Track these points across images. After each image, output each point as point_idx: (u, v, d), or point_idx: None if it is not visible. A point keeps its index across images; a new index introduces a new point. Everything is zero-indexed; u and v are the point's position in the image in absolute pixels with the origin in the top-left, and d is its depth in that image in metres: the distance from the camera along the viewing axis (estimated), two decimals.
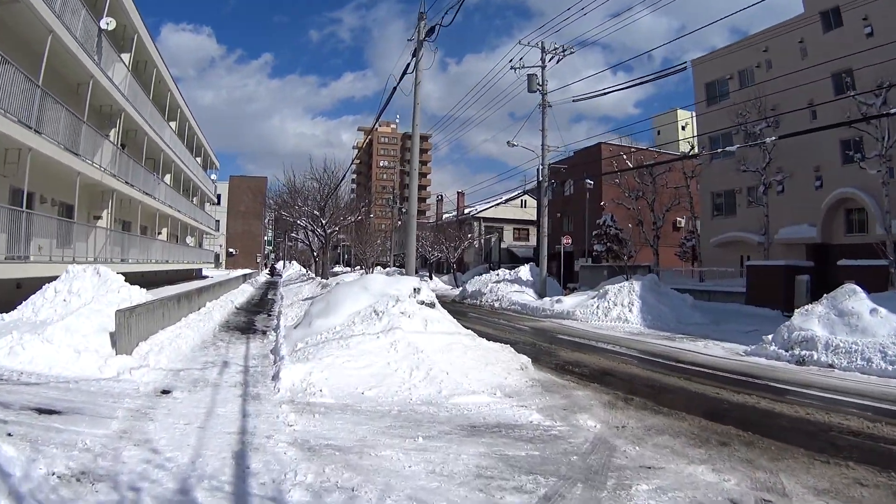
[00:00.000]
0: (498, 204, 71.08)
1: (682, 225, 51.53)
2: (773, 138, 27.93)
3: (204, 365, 12.86)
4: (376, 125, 35.14)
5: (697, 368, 14.79)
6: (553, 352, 17.31)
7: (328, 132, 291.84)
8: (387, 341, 12.71)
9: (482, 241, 70.99)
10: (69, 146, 21.46)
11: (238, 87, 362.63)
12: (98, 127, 25.57)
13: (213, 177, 64.50)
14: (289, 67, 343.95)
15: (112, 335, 12.39)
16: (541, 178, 36.61)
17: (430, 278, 61.86)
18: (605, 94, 31.99)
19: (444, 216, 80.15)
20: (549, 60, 35.17)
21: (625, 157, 47.72)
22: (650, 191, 44.08)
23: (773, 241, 36.78)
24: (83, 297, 14.84)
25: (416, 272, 65.83)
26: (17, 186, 18.75)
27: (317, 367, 11.22)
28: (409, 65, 21.87)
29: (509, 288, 38.21)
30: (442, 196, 79.01)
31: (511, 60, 35.62)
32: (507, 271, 42.33)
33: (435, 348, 12.89)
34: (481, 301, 38.22)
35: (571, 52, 35.29)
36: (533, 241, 71.51)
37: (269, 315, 26.03)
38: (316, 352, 12.50)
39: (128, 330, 12.43)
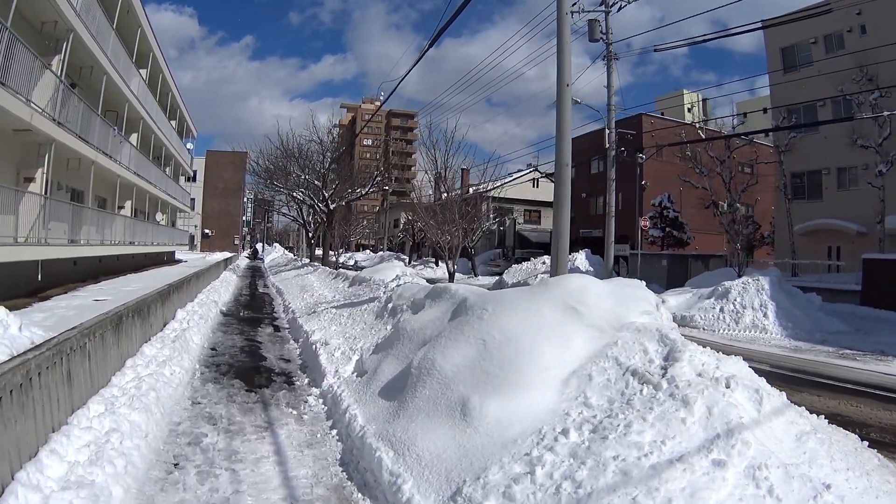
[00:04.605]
0: (507, 183, 62.07)
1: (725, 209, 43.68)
2: None
3: None
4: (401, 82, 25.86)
5: None
6: None
7: (306, 114, 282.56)
8: (736, 472, 4.48)
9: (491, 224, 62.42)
10: None
11: (217, 69, 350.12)
12: (36, 51, 16.98)
13: (190, 146, 54.70)
14: (270, 49, 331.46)
15: None
16: (608, 144, 28.76)
17: (437, 265, 53.34)
18: (683, 45, 25.80)
19: (444, 196, 71.18)
20: (612, 6, 28.16)
21: (699, 127, 39.49)
22: (726, 167, 35.54)
23: (877, 229, 30.77)
24: None
25: (418, 260, 57.26)
26: None
27: None
28: None
29: None
30: (440, 174, 69.75)
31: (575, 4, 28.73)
32: None
33: (803, 458, 4.98)
34: None
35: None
36: (545, 224, 64.66)
37: (277, 329, 16.93)
38: None
39: None
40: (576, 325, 6.94)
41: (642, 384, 5.71)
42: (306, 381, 10.19)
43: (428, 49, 17.56)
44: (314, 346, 11.46)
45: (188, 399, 8.68)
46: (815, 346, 16.94)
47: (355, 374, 9.05)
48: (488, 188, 55.88)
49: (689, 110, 66.42)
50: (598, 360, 6.31)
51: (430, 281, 19.37)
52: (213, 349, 12.92)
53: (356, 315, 13.97)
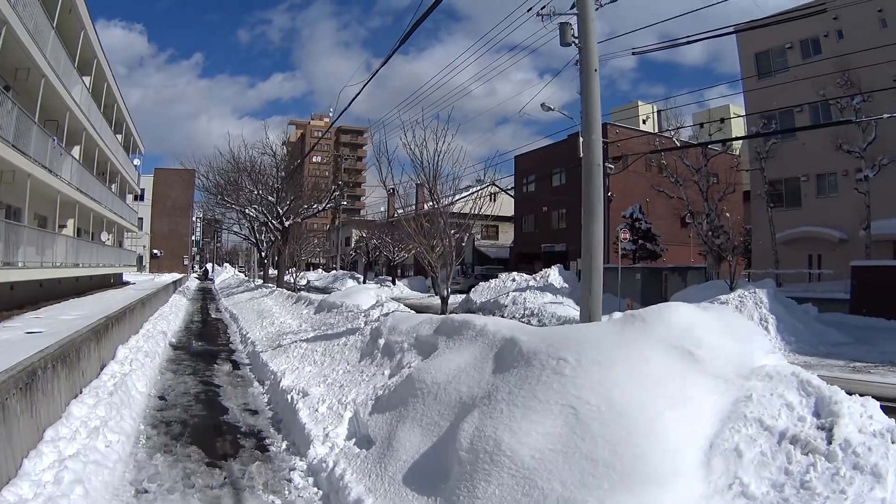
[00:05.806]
0: (464, 197, 60.15)
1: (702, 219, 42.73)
2: None
3: None
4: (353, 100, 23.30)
5: None
6: None
7: (255, 132, 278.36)
8: None
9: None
10: None
11: (167, 87, 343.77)
12: None
13: (137, 162, 51.56)
14: (219, 67, 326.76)
15: None
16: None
17: (394, 283, 51.15)
18: (667, 47, 24.43)
19: (399, 212, 69.55)
20: None
21: (672, 133, 37.99)
22: (702, 176, 34.26)
23: (859, 236, 30.25)
24: None
25: (374, 279, 54.76)
26: None
27: None
28: None
29: (541, 298, 27.91)
30: (395, 189, 67.69)
31: (530, 10, 27.18)
32: (530, 277, 32.05)
33: None
34: (503, 315, 26.88)
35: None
36: (503, 239, 63.96)
37: (236, 365, 14.36)
38: None
39: None
40: (693, 376, 5.01)
41: (808, 454, 4.21)
42: (284, 445, 7.80)
43: (390, 56, 15.10)
44: (289, 397, 9.09)
45: (130, 485, 6.19)
46: (824, 361, 16.23)
47: (353, 441, 6.77)
48: (443, 205, 54.46)
49: (644, 122, 65.80)
50: (737, 425, 4.57)
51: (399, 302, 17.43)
52: (161, 398, 10.43)
53: (334, 352, 11.43)
